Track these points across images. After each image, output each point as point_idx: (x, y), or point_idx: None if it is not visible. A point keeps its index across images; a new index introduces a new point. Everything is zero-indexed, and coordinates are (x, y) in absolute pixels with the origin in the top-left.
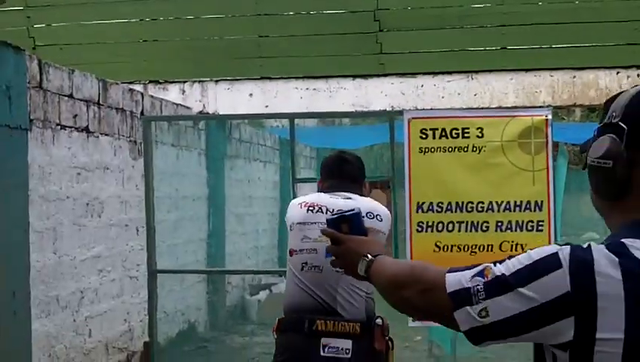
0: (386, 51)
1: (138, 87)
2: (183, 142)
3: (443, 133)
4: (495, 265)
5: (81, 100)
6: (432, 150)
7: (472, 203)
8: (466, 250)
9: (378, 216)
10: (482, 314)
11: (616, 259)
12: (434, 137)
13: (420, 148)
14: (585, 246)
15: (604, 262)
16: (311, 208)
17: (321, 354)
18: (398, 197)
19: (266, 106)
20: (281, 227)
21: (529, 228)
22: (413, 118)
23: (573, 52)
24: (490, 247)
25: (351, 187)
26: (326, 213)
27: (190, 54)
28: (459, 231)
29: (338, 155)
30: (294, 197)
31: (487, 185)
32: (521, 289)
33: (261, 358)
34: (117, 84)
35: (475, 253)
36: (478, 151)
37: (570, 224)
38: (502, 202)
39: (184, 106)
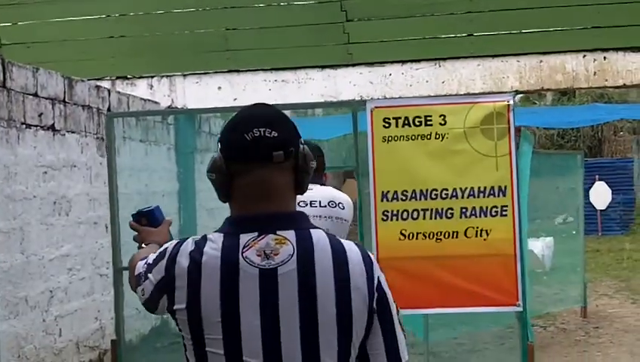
0: (354, 41)
1: (106, 84)
2: (152, 137)
3: (406, 122)
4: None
5: (46, 98)
6: (396, 139)
7: (437, 190)
8: (431, 237)
9: (340, 205)
10: (143, 293)
11: (189, 250)
12: (397, 126)
13: (384, 138)
14: (187, 240)
15: (184, 252)
16: None
17: None
18: (364, 186)
19: (235, 99)
20: None
21: (493, 213)
22: (376, 108)
23: (539, 37)
24: (455, 234)
25: (315, 178)
26: None
27: (157, 49)
28: (424, 218)
29: None
30: None
31: (451, 172)
32: (149, 274)
33: None
34: (82, 81)
35: (440, 239)
36: (441, 139)
37: (543, 208)
38: (466, 188)
39: (152, 101)
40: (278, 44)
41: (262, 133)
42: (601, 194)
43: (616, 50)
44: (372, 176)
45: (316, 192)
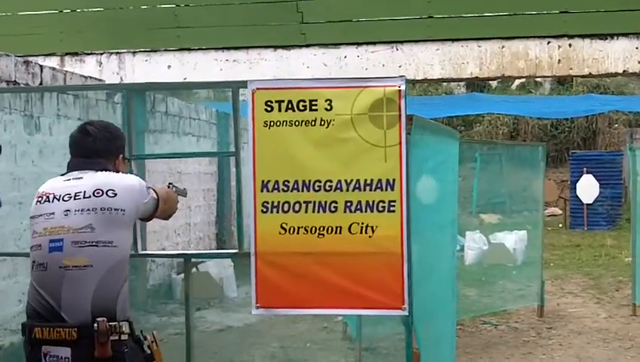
0: (307, 21)
1: (55, 60)
2: (94, 115)
3: (289, 106)
4: None
5: None
6: (278, 124)
7: (320, 181)
8: (313, 231)
9: (109, 192)
10: None
11: None
12: (280, 110)
13: (265, 122)
14: None
15: None
16: (39, 199)
17: None
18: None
19: (185, 78)
20: (220, 203)
21: (380, 208)
22: (257, 89)
23: (501, 21)
24: (338, 229)
25: (93, 163)
26: (53, 200)
27: (107, 25)
28: (306, 211)
29: (81, 128)
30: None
31: (336, 162)
32: None
33: (170, 339)
34: (8, 55)
35: (323, 235)
36: (326, 125)
37: (510, 201)
38: (351, 180)
39: (95, 79)
40: (230, 23)
41: None
42: (588, 188)
43: (582, 37)
44: (252, 163)
45: (85, 181)
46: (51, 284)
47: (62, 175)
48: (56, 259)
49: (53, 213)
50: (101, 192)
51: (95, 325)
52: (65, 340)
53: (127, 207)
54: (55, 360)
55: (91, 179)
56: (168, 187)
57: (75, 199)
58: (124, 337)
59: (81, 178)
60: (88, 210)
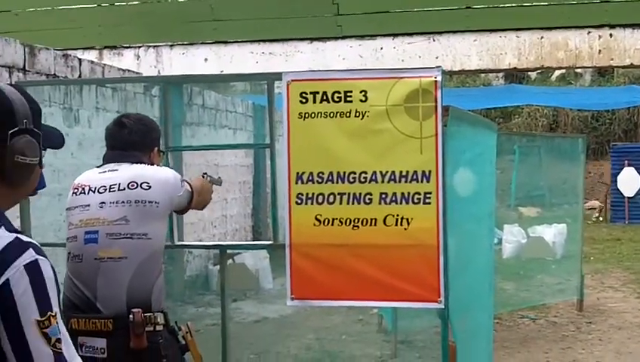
0: (343, 12)
1: (94, 53)
2: (132, 108)
3: (324, 97)
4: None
5: (2, 66)
6: (313, 115)
7: (355, 173)
8: (347, 223)
9: (144, 185)
10: None
11: None
12: (314, 101)
13: (300, 114)
14: None
15: None
16: (75, 191)
17: (79, 353)
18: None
19: (221, 71)
20: (256, 195)
21: (415, 200)
22: (292, 81)
23: (541, 11)
24: (373, 221)
25: (128, 156)
26: (88, 193)
27: (144, 19)
28: (340, 203)
29: (117, 120)
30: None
31: (371, 153)
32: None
33: (206, 330)
34: (47, 49)
35: (358, 226)
36: (361, 117)
37: (524, 198)
38: (386, 172)
39: (133, 72)
40: (266, 15)
41: None
42: (629, 181)
43: (624, 26)
44: (287, 155)
45: (120, 173)
46: (87, 275)
47: (97, 167)
48: (91, 250)
49: (88, 205)
50: (136, 185)
51: (130, 316)
52: (100, 331)
53: (162, 200)
54: (91, 350)
55: (126, 172)
56: (203, 177)
57: (110, 191)
58: (159, 328)
59: (117, 170)
60: (123, 202)
